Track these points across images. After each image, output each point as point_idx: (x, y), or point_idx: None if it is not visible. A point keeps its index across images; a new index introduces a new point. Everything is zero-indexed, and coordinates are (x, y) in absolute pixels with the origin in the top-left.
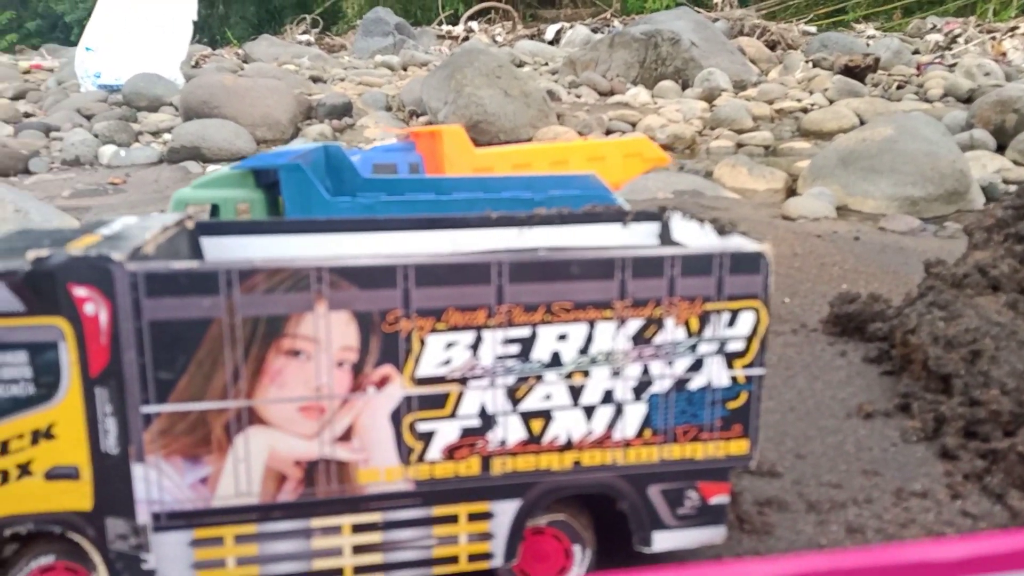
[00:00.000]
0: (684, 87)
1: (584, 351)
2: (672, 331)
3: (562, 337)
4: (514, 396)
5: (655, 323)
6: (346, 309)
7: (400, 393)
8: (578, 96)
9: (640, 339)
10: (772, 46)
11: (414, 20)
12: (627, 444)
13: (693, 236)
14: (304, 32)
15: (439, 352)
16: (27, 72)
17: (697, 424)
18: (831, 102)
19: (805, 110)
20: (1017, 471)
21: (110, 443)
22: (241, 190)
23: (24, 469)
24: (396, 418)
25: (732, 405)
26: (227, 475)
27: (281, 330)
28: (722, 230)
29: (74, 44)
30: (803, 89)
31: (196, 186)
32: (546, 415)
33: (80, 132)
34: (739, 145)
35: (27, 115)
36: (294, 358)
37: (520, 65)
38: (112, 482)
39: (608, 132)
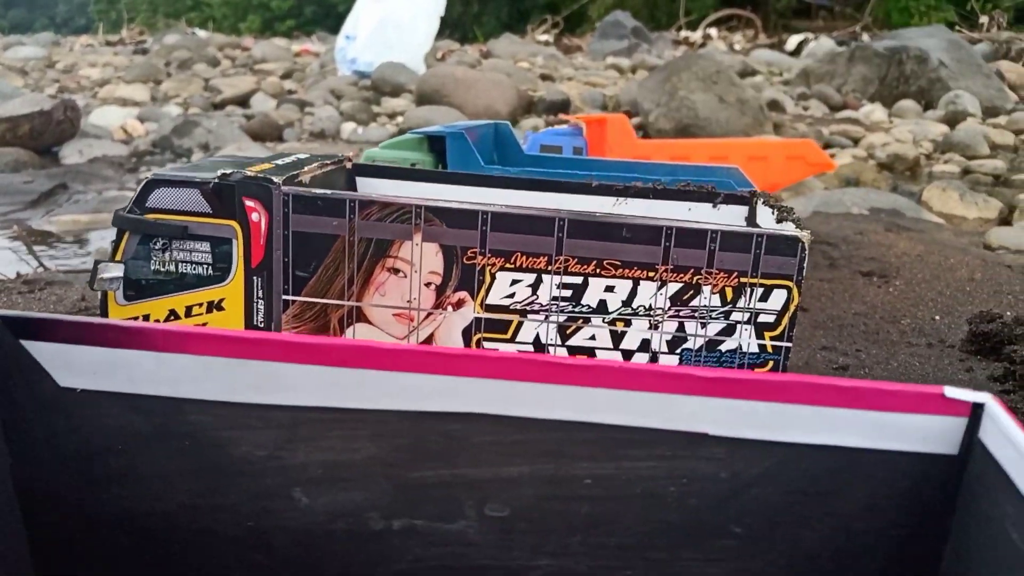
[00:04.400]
0: (926, 108)
1: (627, 303)
2: (708, 297)
3: (609, 288)
4: (564, 333)
5: (693, 288)
6: (436, 242)
7: (472, 315)
8: (805, 108)
9: (678, 300)
10: None
11: (656, 25)
12: None
13: (767, 220)
14: (544, 32)
15: (505, 287)
16: (297, 55)
17: None
18: None
19: None
20: None
21: (259, 319)
22: (416, 153)
23: None
24: (467, 334)
25: (759, 371)
26: None
27: (386, 251)
28: (781, 219)
29: None
30: None
31: (383, 147)
32: (590, 352)
33: (328, 109)
34: (966, 172)
35: (290, 92)
36: (394, 275)
37: (752, 74)
38: None
39: (827, 146)
